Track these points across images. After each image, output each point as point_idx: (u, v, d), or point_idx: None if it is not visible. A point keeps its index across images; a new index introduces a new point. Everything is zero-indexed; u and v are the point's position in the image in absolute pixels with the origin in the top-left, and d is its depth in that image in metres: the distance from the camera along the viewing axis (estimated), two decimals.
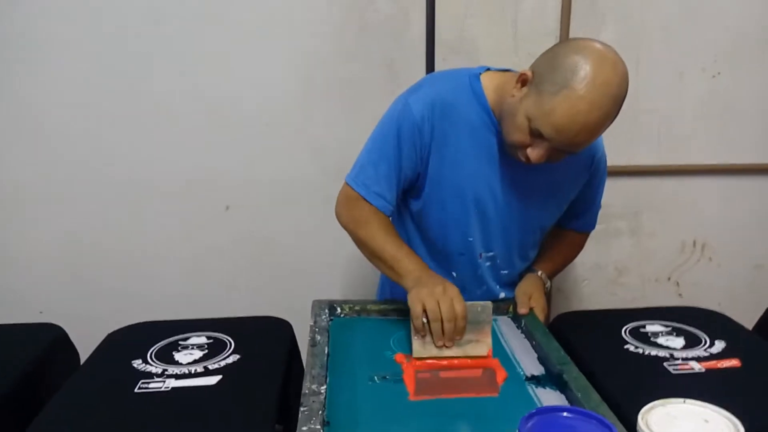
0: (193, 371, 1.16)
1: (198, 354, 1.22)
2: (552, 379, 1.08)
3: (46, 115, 1.78)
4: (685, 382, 1.10)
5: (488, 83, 1.25)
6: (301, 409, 0.91)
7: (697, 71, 1.92)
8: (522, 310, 1.30)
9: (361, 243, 1.29)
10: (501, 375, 1.08)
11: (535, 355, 1.17)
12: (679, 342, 1.26)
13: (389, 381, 1.06)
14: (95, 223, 1.87)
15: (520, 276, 1.42)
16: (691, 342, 1.25)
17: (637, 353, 1.22)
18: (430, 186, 1.27)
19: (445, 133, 1.23)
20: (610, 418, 0.88)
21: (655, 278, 2.11)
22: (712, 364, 1.16)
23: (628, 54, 1.15)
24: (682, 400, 0.84)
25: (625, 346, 1.25)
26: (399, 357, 1.13)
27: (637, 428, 0.80)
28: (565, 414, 0.81)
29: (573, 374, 1.05)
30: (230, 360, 1.20)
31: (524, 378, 1.09)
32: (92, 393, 1.11)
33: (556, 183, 1.31)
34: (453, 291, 1.14)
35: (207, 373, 1.15)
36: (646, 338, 1.28)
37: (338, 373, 1.07)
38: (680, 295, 2.11)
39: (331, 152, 1.85)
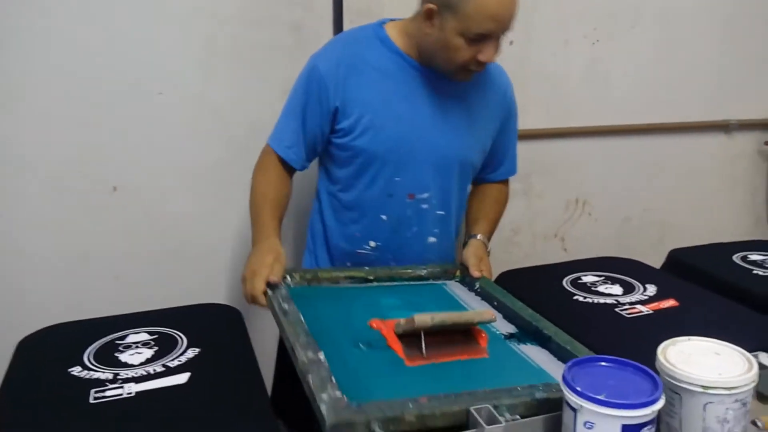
0: (152, 371, 1.02)
1: (148, 352, 1.08)
2: (528, 335, 1.10)
3: None
4: (642, 324, 1.19)
5: (392, 30, 1.35)
6: (310, 377, 0.84)
7: (579, 38, 2.06)
8: (475, 273, 1.33)
9: (252, 185, 1.36)
10: (483, 336, 1.07)
11: (500, 315, 1.18)
12: (617, 289, 1.35)
13: (376, 348, 1.02)
14: None
15: (457, 226, 1.49)
16: (628, 288, 1.35)
17: (588, 302, 1.29)
18: (349, 135, 1.32)
19: (354, 82, 1.30)
20: None
21: (544, 235, 2.25)
22: (655, 305, 1.26)
23: (520, 22, 1.24)
24: (686, 338, 0.89)
25: (574, 297, 1.31)
26: (375, 323, 1.08)
27: (660, 367, 0.84)
28: (602, 363, 0.82)
29: (552, 329, 1.08)
30: (190, 354, 1.08)
31: (503, 337, 1.10)
32: (37, 413, 0.93)
33: (476, 116, 1.39)
34: (278, 266, 1.17)
35: (170, 371, 1.02)
36: (587, 288, 1.36)
37: (322, 341, 0.99)
38: (565, 249, 2.28)
39: (236, 122, 1.72)
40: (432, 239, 1.43)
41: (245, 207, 1.36)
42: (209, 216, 1.77)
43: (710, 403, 0.80)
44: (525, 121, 2.06)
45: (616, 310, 1.25)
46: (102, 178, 1.67)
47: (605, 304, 1.28)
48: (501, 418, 0.80)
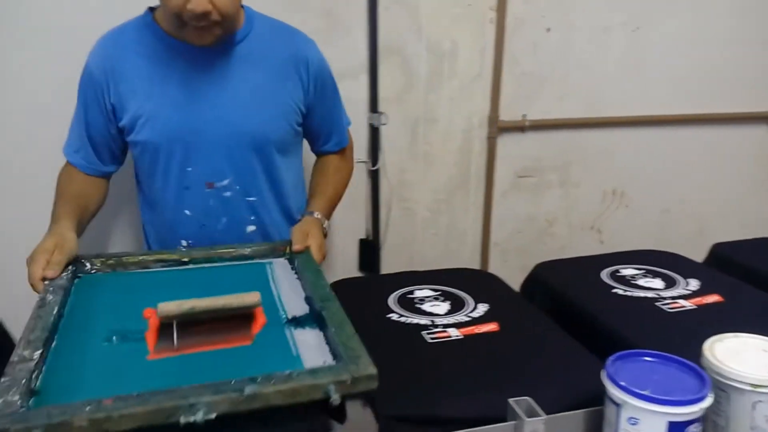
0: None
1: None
2: (314, 318, 0.98)
3: None
4: (685, 320, 1.15)
5: (160, 13, 1.26)
6: (2, 379, 0.76)
7: (618, 25, 2.01)
8: (296, 246, 1.19)
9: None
10: (259, 321, 0.96)
11: (303, 295, 1.06)
12: (658, 283, 1.31)
13: (129, 340, 0.91)
14: None
15: (284, 208, 1.41)
16: (669, 282, 1.32)
17: (627, 296, 1.26)
18: (130, 129, 1.27)
19: (123, 73, 1.25)
20: None
21: (580, 227, 2.22)
22: (698, 300, 1.22)
23: (558, 8, 1.18)
24: (733, 334, 0.87)
25: (613, 290, 1.28)
26: (148, 312, 0.96)
27: (707, 364, 0.82)
28: (646, 358, 0.80)
29: (332, 310, 0.94)
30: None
31: (285, 321, 0.98)
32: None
33: (264, 91, 1.29)
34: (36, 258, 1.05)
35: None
36: (627, 281, 1.33)
37: (69, 336, 0.92)
38: (602, 241, 2.24)
39: None
40: (251, 227, 1.36)
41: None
42: None
43: (760, 402, 0.77)
44: (563, 110, 2.04)
45: (657, 304, 1.21)
46: None
47: (646, 297, 1.24)
48: (541, 411, 0.79)
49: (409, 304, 1.22)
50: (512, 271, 1.52)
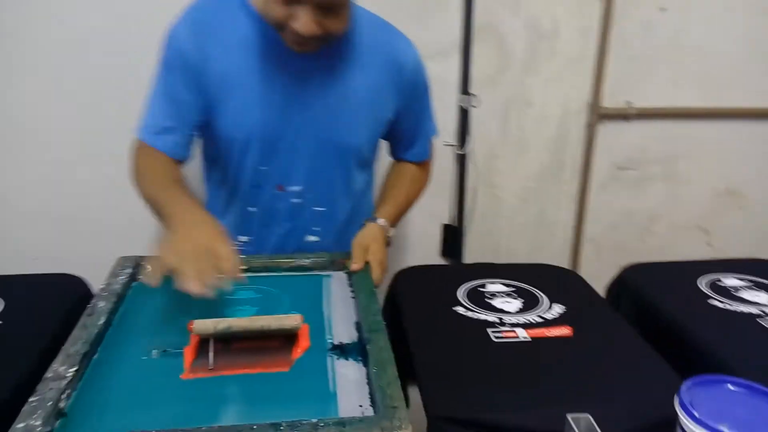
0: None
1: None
2: (359, 349, 0.91)
3: None
4: None
5: None
6: (31, 399, 0.75)
7: (740, 6, 1.80)
8: (353, 266, 1.13)
9: (142, 194, 1.13)
10: (302, 345, 0.91)
11: (354, 320, 0.99)
12: (765, 297, 1.17)
13: (169, 355, 0.88)
14: None
15: (351, 219, 1.29)
16: None
17: (726, 309, 1.13)
18: (210, 113, 1.16)
19: (212, 54, 1.12)
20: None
21: (685, 227, 2.04)
22: None
23: None
24: None
25: (710, 301, 1.16)
26: (191, 325, 0.90)
27: None
28: (730, 386, 0.70)
29: (379, 344, 0.89)
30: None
31: (329, 348, 0.92)
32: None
33: (357, 98, 1.18)
34: (222, 249, 0.91)
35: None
36: (728, 293, 1.19)
37: (112, 349, 0.89)
38: (710, 244, 2.05)
39: None
40: (313, 238, 1.28)
41: None
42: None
43: None
44: (676, 98, 1.87)
45: (760, 321, 1.08)
46: None
47: (748, 313, 1.11)
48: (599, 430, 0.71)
49: (478, 297, 1.15)
50: (605, 269, 1.39)
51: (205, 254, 0.89)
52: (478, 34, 1.75)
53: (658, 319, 1.14)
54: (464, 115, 1.80)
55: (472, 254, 1.96)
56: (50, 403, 0.75)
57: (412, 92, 1.25)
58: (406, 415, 0.74)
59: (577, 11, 1.78)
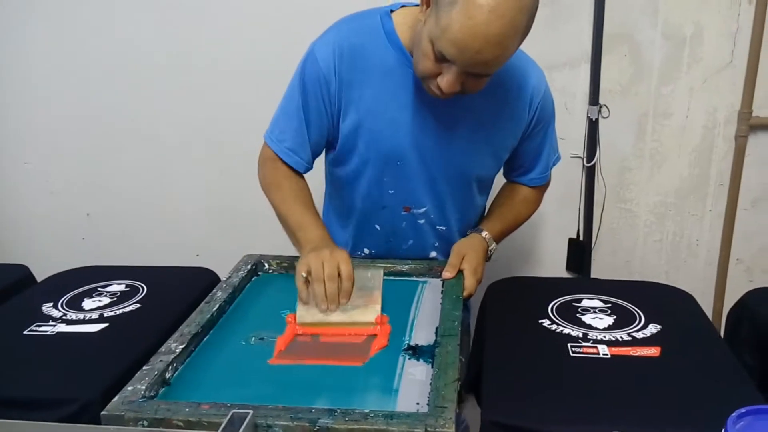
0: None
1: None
2: (432, 351, 0.96)
3: None
4: None
5: (401, 20, 1.15)
6: (144, 367, 0.89)
7: None
8: (444, 273, 1.18)
9: (273, 206, 1.24)
10: (380, 343, 0.98)
11: (436, 324, 1.03)
12: None
13: (264, 342, 1.00)
14: None
15: (463, 235, 1.31)
16: None
17: None
18: (345, 136, 1.19)
19: (354, 79, 1.15)
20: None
21: None
22: None
23: None
24: None
25: None
26: (291, 317, 1.05)
27: None
28: None
29: (447, 348, 0.92)
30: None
31: (403, 348, 0.98)
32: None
33: (486, 128, 1.19)
34: (341, 254, 1.06)
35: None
36: None
37: (220, 333, 1.04)
38: None
39: None
40: (433, 254, 1.32)
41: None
42: None
43: None
44: None
45: None
46: None
47: None
48: None
49: (569, 312, 1.14)
50: None
51: (330, 278, 1.03)
52: (611, 43, 1.69)
53: None
54: (593, 126, 1.75)
55: (601, 270, 1.88)
56: (157, 372, 0.89)
57: (539, 121, 1.24)
58: (453, 416, 0.77)
59: (724, 14, 1.65)
